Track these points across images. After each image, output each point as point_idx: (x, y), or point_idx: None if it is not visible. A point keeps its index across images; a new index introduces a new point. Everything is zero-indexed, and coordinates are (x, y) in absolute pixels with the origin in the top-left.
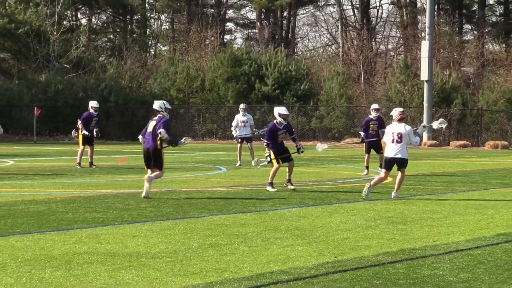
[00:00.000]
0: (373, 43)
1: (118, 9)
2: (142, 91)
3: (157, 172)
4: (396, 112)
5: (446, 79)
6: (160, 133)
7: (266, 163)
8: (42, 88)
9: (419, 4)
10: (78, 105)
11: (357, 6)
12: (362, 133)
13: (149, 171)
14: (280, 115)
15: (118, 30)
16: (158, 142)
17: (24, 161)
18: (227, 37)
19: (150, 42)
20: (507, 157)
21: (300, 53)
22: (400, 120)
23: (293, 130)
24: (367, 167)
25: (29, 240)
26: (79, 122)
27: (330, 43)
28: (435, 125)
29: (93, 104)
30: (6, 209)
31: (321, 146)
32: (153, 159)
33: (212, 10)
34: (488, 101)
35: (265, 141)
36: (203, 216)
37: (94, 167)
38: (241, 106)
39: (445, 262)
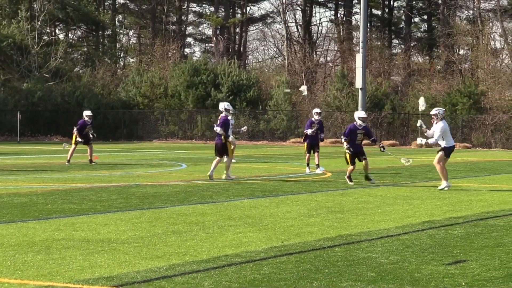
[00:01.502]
0: (314, 55)
1: (92, 26)
2: (112, 97)
3: (226, 159)
4: (442, 111)
5: (377, 87)
6: (216, 130)
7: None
8: (24, 94)
9: (354, 22)
10: (56, 110)
11: (300, 23)
12: (309, 131)
13: (218, 158)
14: (359, 118)
15: (91, 44)
16: (222, 137)
17: (9, 159)
18: (187, 50)
19: (119, 55)
20: (431, 154)
21: (250, 64)
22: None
23: (372, 132)
24: (308, 165)
25: (13, 228)
26: (75, 129)
27: (276, 56)
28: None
29: (87, 113)
30: None
31: (406, 159)
32: (221, 150)
33: (174, 26)
34: (414, 106)
35: (344, 137)
36: (166, 207)
37: (94, 163)
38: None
39: (378, 246)
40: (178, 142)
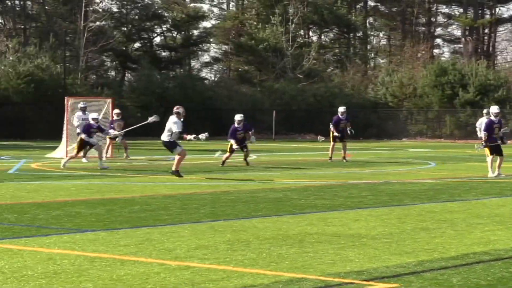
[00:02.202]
0: None
1: (343, 28)
2: (362, 97)
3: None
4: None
5: None
6: None
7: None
8: (279, 94)
9: None
10: (309, 109)
11: None
12: None
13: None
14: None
15: (343, 45)
16: None
17: (264, 156)
18: (436, 51)
19: (370, 56)
20: None
21: (499, 64)
22: None
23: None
24: None
25: (269, 222)
26: (331, 125)
27: None
28: None
29: (341, 109)
30: (249, 195)
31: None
32: None
33: (423, 28)
34: None
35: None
36: (415, 204)
37: (345, 161)
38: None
39: None
40: (427, 140)
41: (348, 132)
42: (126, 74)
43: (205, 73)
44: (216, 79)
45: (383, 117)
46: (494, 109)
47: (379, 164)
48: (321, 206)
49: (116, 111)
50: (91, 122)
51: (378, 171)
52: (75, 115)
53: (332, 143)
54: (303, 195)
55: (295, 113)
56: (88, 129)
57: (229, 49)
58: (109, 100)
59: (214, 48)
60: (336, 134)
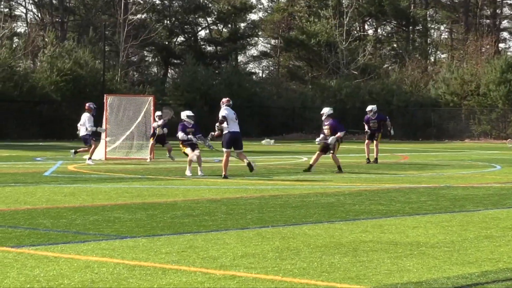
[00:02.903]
0: None
1: (402, 21)
2: (422, 94)
3: None
4: None
5: None
6: None
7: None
8: (332, 92)
9: None
10: (363, 108)
11: None
12: None
13: None
14: None
15: (401, 39)
16: None
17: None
18: (501, 45)
19: (430, 50)
20: None
21: None
22: None
23: None
24: None
25: (320, 229)
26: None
27: None
28: None
29: (368, 108)
30: (300, 200)
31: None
32: None
33: (487, 20)
34: None
35: None
36: (479, 210)
37: (369, 162)
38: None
39: None
40: (491, 142)
41: (388, 132)
42: (169, 70)
43: (252, 67)
44: (264, 75)
45: (444, 116)
46: None
47: (440, 167)
48: (377, 212)
49: (158, 113)
50: (186, 121)
51: (439, 175)
52: (86, 118)
53: (367, 141)
54: (357, 200)
55: (349, 111)
56: (184, 129)
57: (278, 43)
58: (150, 98)
59: (262, 42)
60: (367, 130)
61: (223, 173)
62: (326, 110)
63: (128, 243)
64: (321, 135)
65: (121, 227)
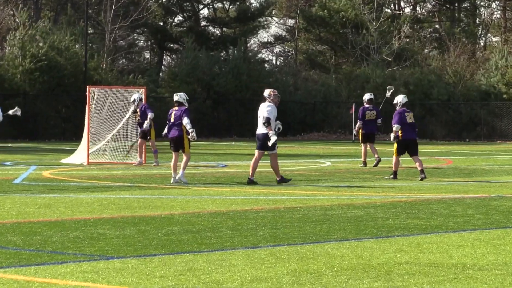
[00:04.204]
0: None
1: None
2: (468, 86)
3: None
4: None
5: None
6: None
7: None
8: (361, 82)
9: None
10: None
11: None
12: None
13: None
14: None
15: (444, 19)
16: None
17: (342, 162)
18: None
19: (479, 32)
20: None
21: None
22: None
23: None
24: None
25: (346, 248)
26: (359, 121)
27: None
28: None
29: (367, 96)
30: (322, 213)
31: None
32: None
33: None
34: None
35: None
36: None
37: (363, 166)
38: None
39: None
40: None
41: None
42: (164, 57)
43: (265, 55)
44: (279, 63)
45: (496, 113)
46: None
47: (491, 173)
48: (414, 227)
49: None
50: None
51: (489, 183)
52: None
53: (363, 144)
54: (391, 213)
55: (380, 105)
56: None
57: (295, 24)
58: (141, 90)
59: (276, 23)
60: (357, 128)
61: (277, 177)
62: (400, 99)
63: (115, 264)
64: (392, 134)
65: (107, 246)
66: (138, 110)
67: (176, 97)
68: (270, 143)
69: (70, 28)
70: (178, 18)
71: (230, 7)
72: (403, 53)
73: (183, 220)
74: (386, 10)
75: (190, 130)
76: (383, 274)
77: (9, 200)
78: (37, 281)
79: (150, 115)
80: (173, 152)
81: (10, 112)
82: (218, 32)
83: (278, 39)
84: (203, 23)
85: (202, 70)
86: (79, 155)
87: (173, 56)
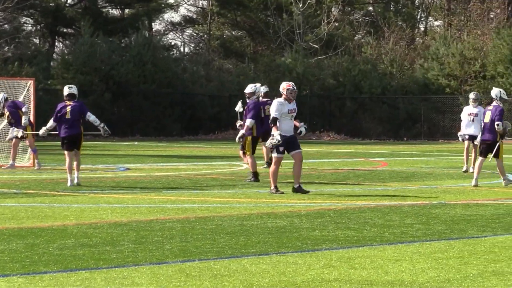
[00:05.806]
0: None
1: None
2: (406, 77)
3: None
4: None
5: None
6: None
7: None
8: (282, 72)
9: None
10: (326, 95)
11: None
12: None
13: None
14: None
15: (379, 1)
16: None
17: (262, 164)
18: None
19: (419, 16)
20: None
21: None
22: None
23: None
24: None
25: (266, 263)
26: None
27: None
28: None
29: (263, 89)
30: (238, 224)
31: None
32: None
33: None
34: None
35: None
36: (485, 236)
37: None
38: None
39: None
40: (506, 142)
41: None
42: (56, 43)
43: (172, 40)
44: (189, 50)
45: (438, 108)
46: None
47: (432, 177)
48: (345, 239)
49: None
50: None
51: (430, 187)
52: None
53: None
54: (318, 222)
55: (305, 100)
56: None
57: (208, 6)
58: (30, 82)
59: (186, 3)
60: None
61: (272, 185)
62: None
63: None
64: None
65: None
66: (5, 110)
67: (70, 89)
68: (269, 142)
69: None
70: None
71: None
72: (333, 39)
73: (78, 232)
74: None
75: (101, 126)
76: None
77: None
78: None
79: (24, 108)
80: (66, 152)
81: None
82: (118, 13)
83: (188, 22)
84: (100, 2)
85: (100, 58)
86: None
87: (67, 42)
